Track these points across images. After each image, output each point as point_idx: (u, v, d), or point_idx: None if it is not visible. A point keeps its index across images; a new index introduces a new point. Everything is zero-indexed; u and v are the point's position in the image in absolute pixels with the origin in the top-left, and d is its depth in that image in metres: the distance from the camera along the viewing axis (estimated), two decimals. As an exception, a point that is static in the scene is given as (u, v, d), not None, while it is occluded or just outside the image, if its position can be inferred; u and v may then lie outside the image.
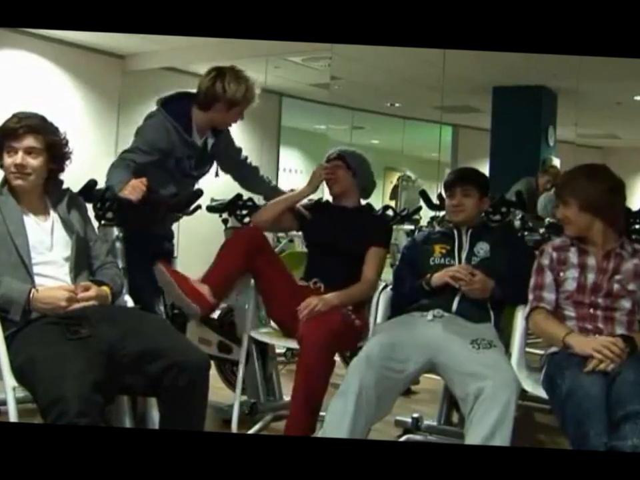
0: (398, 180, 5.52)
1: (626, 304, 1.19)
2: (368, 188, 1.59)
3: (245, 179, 1.70)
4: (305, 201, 1.58)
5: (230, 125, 1.55)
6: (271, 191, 1.69)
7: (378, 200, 5.49)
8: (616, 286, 1.19)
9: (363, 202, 1.61)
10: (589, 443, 1.01)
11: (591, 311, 1.19)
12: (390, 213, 2.39)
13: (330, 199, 1.61)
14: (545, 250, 1.27)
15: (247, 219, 1.88)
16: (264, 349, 1.62)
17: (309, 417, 1.28)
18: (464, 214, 1.39)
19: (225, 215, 1.90)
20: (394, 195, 5.22)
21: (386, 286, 1.47)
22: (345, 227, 1.50)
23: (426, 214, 2.58)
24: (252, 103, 1.49)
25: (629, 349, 1.11)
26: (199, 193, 1.63)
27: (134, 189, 1.34)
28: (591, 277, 1.20)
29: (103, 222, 1.37)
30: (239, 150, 1.67)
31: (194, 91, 1.50)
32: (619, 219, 1.25)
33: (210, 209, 1.88)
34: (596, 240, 1.22)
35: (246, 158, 1.69)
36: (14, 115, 1.16)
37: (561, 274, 1.22)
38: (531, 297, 1.25)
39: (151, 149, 1.43)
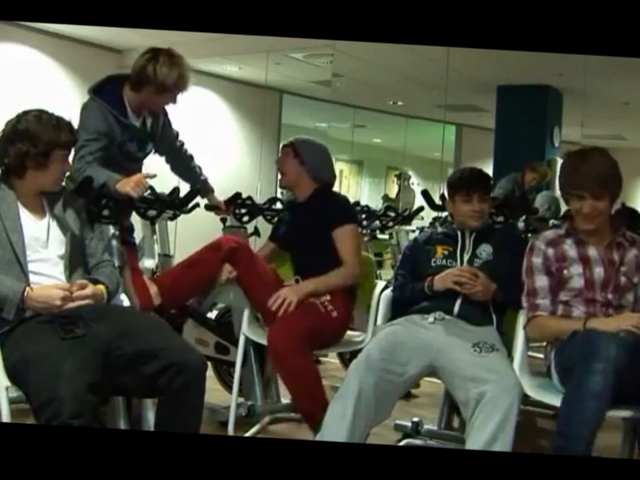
0: (398, 179, 5.49)
1: (630, 298, 1.14)
2: (322, 175, 1.50)
3: (176, 165, 1.69)
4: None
5: (161, 108, 1.53)
6: (200, 183, 1.67)
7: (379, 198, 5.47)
8: (622, 279, 1.13)
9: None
10: (591, 379, 0.95)
11: (604, 309, 1.14)
12: (392, 213, 2.36)
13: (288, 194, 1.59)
14: (535, 246, 1.19)
15: (245, 218, 1.86)
16: (262, 350, 1.61)
17: (319, 412, 1.22)
18: (482, 219, 1.38)
19: (223, 214, 1.90)
20: (397, 197, 5.19)
21: (386, 287, 1.46)
22: (301, 220, 1.46)
23: (428, 214, 2.56)
24: (184, 90, 1.46)
25: None
26: (197, 191, 1.61)
27: (137, 185, 1.33)
28: (597, 271, 1.14)
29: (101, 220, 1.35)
30: (176, 134, 1.66)
31: (123, 72, 1.49)
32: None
33: (208, 207, 1.86)
34: (600, 229, 1.15)
35: (182, 144, 1.67)
36: (60, 123, 1.14)
37: (565, 271, 1.16)
38: (525, 304, 1.20)
39: (97, 135, 1.42)
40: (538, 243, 1.20)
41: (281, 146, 1.54)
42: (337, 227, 1.43)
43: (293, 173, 1.48)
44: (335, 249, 1.43)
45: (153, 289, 1.40)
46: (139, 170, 1.55)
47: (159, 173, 1.43)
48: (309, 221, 1.45)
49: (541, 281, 1.19)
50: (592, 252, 1.15)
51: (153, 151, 1.59)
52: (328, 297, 1.40)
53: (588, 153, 1.17)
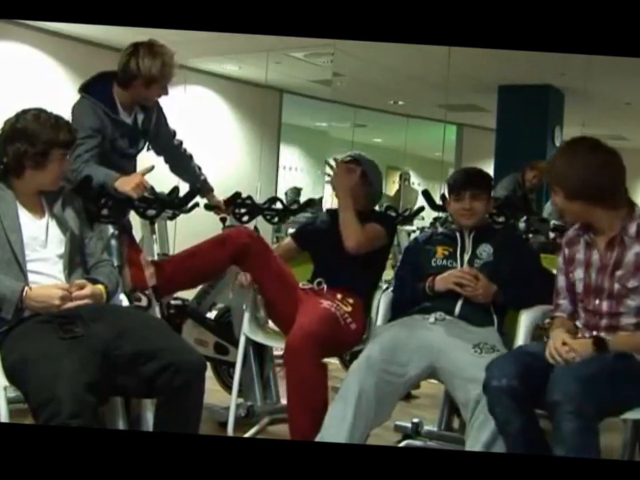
0: (399, 179, 5.48)
1: (632, 303, 1.07)
2: (377, 199, 1.57)
3: (175, 164, 1.68)
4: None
5: (153, 101, 1.52)
6: (199, 183, 1.66)
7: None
8: (617, 286, 1.08)
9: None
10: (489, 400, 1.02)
11: (597, 318, 1.12)
12: (392, 213, 2.35)
13: (332, 205, 1.60)
14: (561, 244, 1.18)
15: (245, 218, 1.86)
16: (261, 351, 1.61)
17: (308, 424, 1.25)
18: (475, 218, 1.36)
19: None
20: (397, 196, 5.17)
21: (387, 287, 1.46)
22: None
23: (428, 214, 2.55)
24: (171, 78, 1.46)
25: (597, 351, 1.04)
26: (196, 191, 1.60)
27: (137, 187, 1.32)
28: (594, 277, 1.11)
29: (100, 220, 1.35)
30: (173, 132, 1.64)
31: (113, 69, 1.48)
32: (618, 195, 1.09)
33: (208, 207, 1.85)
34: (601, 226, 1.10)
35: (180, 143, 1.66)
36: (58, 122, 1.13)
37: (570, 275, 1.14)
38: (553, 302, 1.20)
39: (92, 132, 1.41)
40: (563, 240, 1.18)
41: (343, 158, 1.53)
42: (372, 223, 1.45)
43: (357, 192, 1.49)
44: (362, 261, 1.42)
45: (149, 271, 1.39)
46: (131, 167, 1.54)
47: (158, 173, 1.42)
48: None
49: (561, 282, 1.18)
50: (594, 254, 1.12)
51: (146, 148, 1.58)
52: (349, 310, 1.39)
53: (562, 145, 1.16)
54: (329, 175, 1.50)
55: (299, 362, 1.27)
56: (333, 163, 1.51)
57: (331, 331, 1.34)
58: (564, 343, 1.06)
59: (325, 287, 1.45)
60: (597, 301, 1.11)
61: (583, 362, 1.03)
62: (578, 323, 1.15)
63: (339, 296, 1.43)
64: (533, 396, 1.01)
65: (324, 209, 1.70)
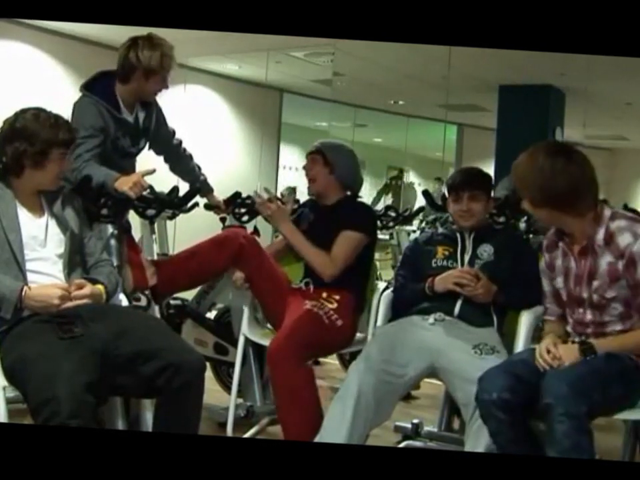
0: (394, 180, 5.48)
1: (615, 311, 1.06)
2: (351, 183, 1.51)
3: (174, 164, 1.67)
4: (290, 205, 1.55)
5: (154, 95, 1.52)
6: (199, 182, 1.66)
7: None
8: (595, 297, 1.06)
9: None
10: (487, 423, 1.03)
11: (582, 327, 1.11)
12: (392, 213, 2.35)
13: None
14: (542, 248, 1.17)
15: (245, 218, 1.85)
16: (261, 351, 1.60)
17: (298, 424, 1.25)
18: (473, 219, 1.35)
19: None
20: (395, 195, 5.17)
21: (387, 287, 1.45)
22: (325, 224, 1.45)
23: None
24: (170, 70, 1.46)
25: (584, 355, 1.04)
26: (196, 190, 1.60)
27: (135, 185, 1.32)
28: (571, 287, 1.10)
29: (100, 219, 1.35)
30: (172, 132, 1.65)
31: (113, 69, 1.48)
32: (582, 201, 1.04)
33: (208, 206, 1.85)
34: (573, 233, 1.08)
35: (180, 142, 1.66)
36: (58, 121, 1.13)
37: (554, 282, 1.14)
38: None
39: (94, 131, 1.41)
40: (543, 244, 1.17)
41: (308, 151, 1.51)
42: (347, 230, 1.43)
43: (322, 181, 1.47)
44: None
45: (150, 270, 1.39)
46: (132, 166, 1.54)
47: (158, 172, 1.41)
48: (331, 226, 1.43)
49: (546, 286, 1.17)
50: (571, 262, 1.10)
51: (147, 147, 1.58)
52: (334, 306, 1.38)
53: (525, 151, 1.11)
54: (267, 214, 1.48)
55: (279, 365, 1.26)
56: (263, 195, 1.47)
57: (312, 330, 1.33)
58: (548, 351, 1.06)
59: (312, 287, 1.44)
60: (581, 310, 1.10)
61: (572, 365, 1.03)
62: (568, 328, 1.15)
63: (324, 294, 1.42)
64: (527, 405, 1.01)
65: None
